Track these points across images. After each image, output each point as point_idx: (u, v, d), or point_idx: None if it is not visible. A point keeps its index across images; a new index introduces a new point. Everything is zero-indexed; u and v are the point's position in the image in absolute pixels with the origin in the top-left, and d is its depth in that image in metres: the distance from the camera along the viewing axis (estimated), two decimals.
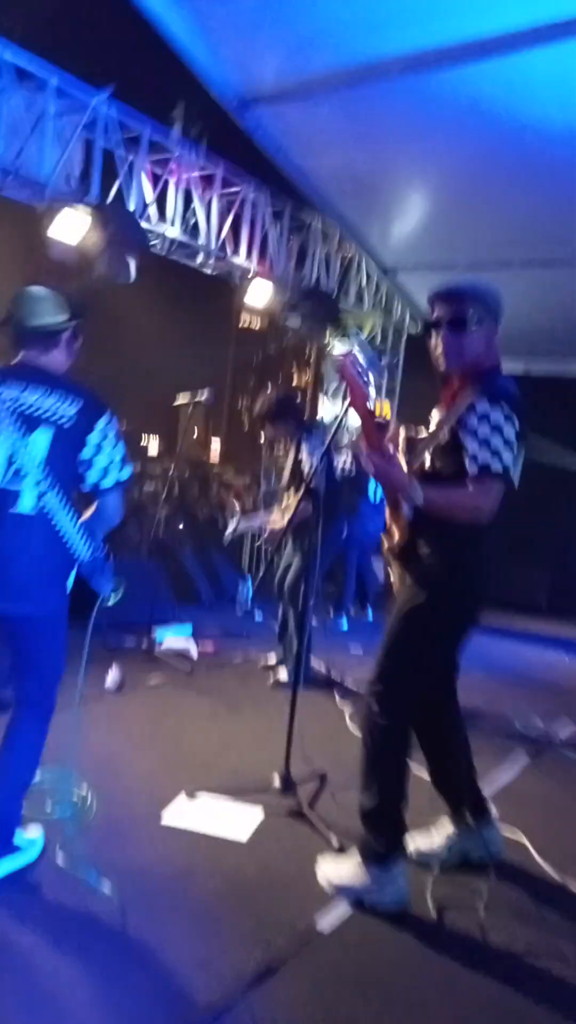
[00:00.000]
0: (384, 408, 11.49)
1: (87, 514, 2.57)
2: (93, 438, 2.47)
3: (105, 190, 7.08)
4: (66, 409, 2.45)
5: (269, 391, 4.94)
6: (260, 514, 5.16)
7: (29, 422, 2.41)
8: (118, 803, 3.11)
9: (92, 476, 2.50)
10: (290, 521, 3.58)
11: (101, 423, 2.49)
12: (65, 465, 2.45)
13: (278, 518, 4.80)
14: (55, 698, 2.70)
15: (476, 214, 6.95)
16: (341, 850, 2.86)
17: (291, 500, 4.69)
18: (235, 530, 5.02)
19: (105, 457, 2.50)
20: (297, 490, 4.53)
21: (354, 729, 4.19)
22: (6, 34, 6.04)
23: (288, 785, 3.21)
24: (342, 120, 6.27)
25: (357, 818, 2.70)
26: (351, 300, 9.90)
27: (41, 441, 2.40)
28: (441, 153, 6.39)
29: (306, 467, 4.54)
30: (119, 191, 7.19)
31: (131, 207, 7.25)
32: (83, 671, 2.68)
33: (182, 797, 3.15)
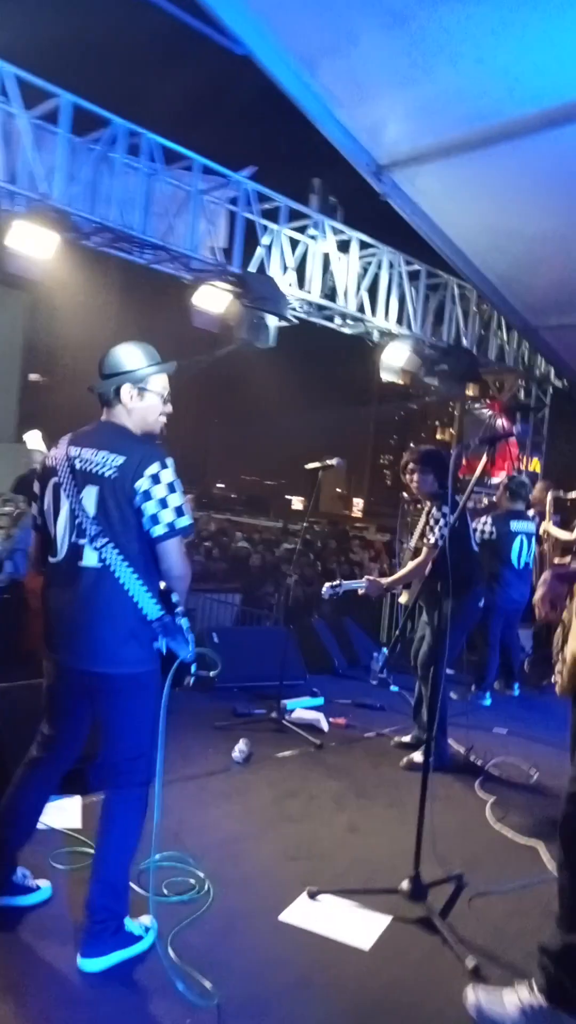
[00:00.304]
0: (533, 464, 11.06)
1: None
2: (141, 484, 2.38)
3: (247, 261, 7.31)
4: (112, 462, 2.40)
5: (413, 446, 4.78)
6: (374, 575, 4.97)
7: (81, 478, 2.43)
8: (236, 892, 2.95)
9: (145, 524, 2.40)
10: (409, 584, 3.37)
11: (151, 469, 2.39)
12: (121, 518, 2.39)
13: (386, 578, 4.64)
14: (149, 771, 2.51)
15: None
16: (476, 971, 2.54)
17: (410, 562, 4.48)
18: (336, 588, 4.79)
19: (154, 504, 2.38)
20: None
21: (494, 822, 3.83)
22: (152, 120, 6.42)
23: (418, 889, 2.92)
24: (477, 180, 6.20)
25: (495, 931, 2.39)
26: (491, 356, 9.63)
27: (91, 496, 2.40)
28: None
29: (435, 527, 4.32)
30: (261, 260, 7.40)
31: (272, 274, 7.43)
32: (161, 743, 2.43)
33: (304, 897, 2.93)
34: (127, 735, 2.50)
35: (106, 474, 2.39)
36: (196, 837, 3.36)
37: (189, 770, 4.16)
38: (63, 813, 3.37)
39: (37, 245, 5.94)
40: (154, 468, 2.39)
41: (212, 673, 2.64)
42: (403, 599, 4.71)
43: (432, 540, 4.32)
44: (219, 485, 59.44)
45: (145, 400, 2.55)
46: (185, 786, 3.95)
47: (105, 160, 6.35)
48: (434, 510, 4.41)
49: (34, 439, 4.33)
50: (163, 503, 2.40)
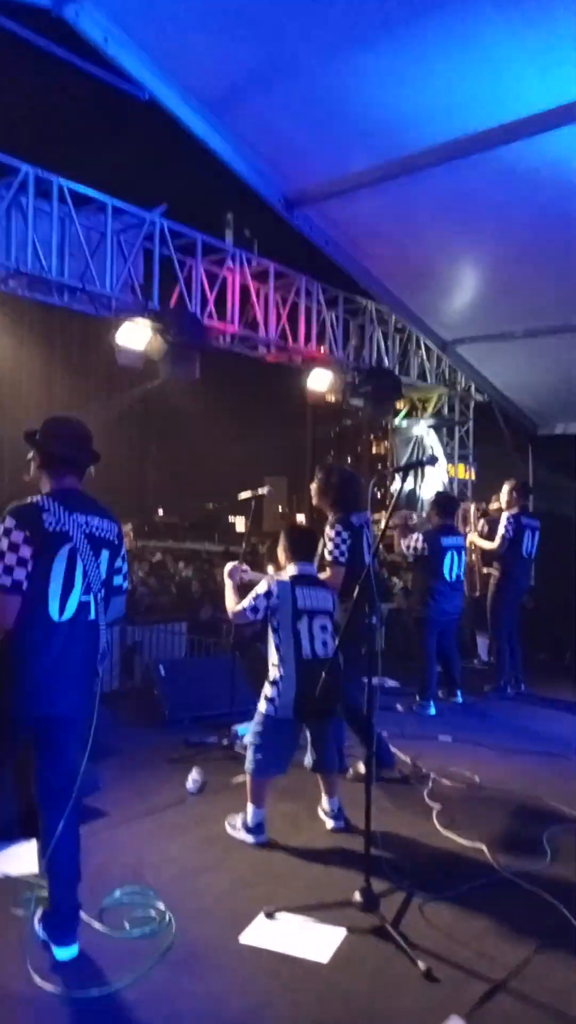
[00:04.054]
0: (463, 472, 11.39)
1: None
2: (122, 549, 2.89)
3: (166, 296, 7.42)
4: (112, 528, 2.85)
5: (317, 471, 4.83)
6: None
7: (96, 544, 2.74)
8: (197, 921, 3.02)
9: (117, 580, 2.87)
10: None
11: (121, 537, 2.90)
12: (111, 575, 2.84)
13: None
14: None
15: (528, 282, 6.97)
16: (429, 974, 2.67)
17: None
18: (242, 570, 4.57)
19: (125, 563, 2.91)
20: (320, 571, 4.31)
21: (442, 829, 3.98)
22: (63, 166, 6.51)
23: (370, 899, 3.03)
24: (386, 210, 6.47)
25: (446, 934, 2.52)
26: (414, 375, 9.94)
27: (104, 559, 2.78)
28: (488, 229, 6.47)
29: (328, 543, 4.45)
30: (180, 295, 7.52)
31: (192, 308, 7.56)
32: (81, 770, 2.73)
33: (261, 917, 3.02)
34: (78, 762, 2.74)
35: (112, 540, 2.82)
36: (155, 871, 3.41)
37: (145, 805, 4.21)
38: (21, 860, 3.38)
39: None
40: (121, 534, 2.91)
41: None
42: None
43: (327, 556, 4.44)
44: (160, 513, 58.94)
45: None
46: (142, 822, 4.00)
47: (15, 206, 6.40)
48: (327, 527, 4.56)
49: None
50: (127, 562, 2.96)
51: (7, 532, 2.58)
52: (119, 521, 2.90)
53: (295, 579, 3.78)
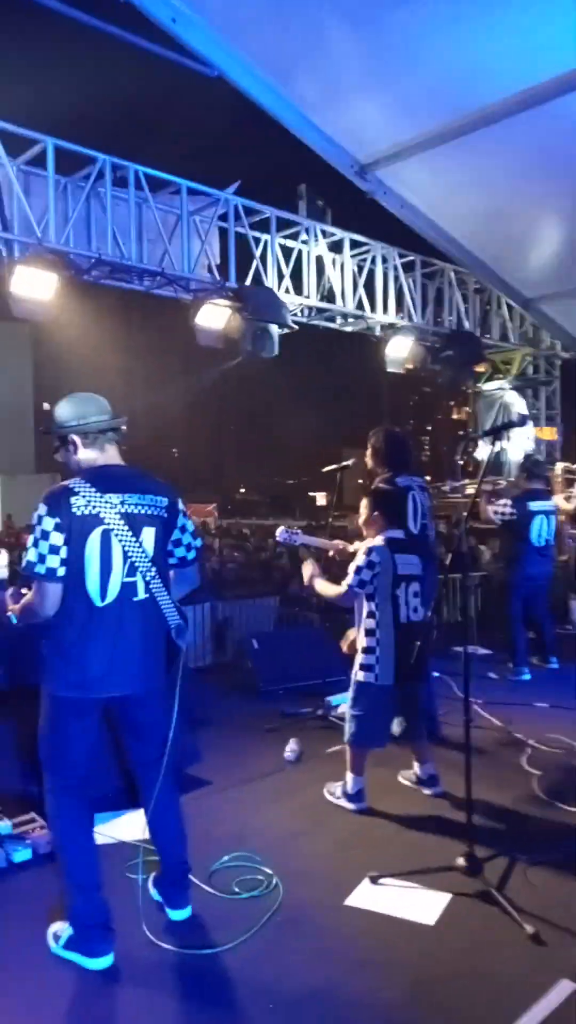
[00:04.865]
0: (548, 432, 11.07)
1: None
2: (180, 520, 2.79)
3: (242, 273, 7.46)
4: (160, 503, 2.73)
5: (369, 436, 4.75)
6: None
7: (137, 522, 2.64)
8: (301, 885, 3.10)
9: (179, 552, 2.82)
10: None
11: (182, 505, 2.81)
12: (164, 550, 2.76)
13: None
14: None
15: None
16: (536, 937, 2.67)
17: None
18: (293, 533, 4.52)
19: (188, 536, 2.82)
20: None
21: (542, 794, 3.94)
22: (134, 152, 6.60)
23: (474, 864, 3.05)
24: (460, 168, 6.31)
25: (551, 897, 2.51)
26: (495, 337, 9.69)
27: (149, 537, 2.67)
28: (570, 177, 6.21)
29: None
30: (256, 271, 7.54)
31: (268, 284, 7.57)
32: (171, 739, 2.72)
33: (366, 883, 3.08)
34: (159, 735, 2.74)
35: (160, 514, 2.71)
36: (258, 837, 3.52)
37: (244, 774, 4.33)
38: (131, 827, 3.54)
39: (38, 287, 6.13)
40: (181, 503, 2.81)
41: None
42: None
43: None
44: (241, 490, 59.65)
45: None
46: (241, 789, 4.12)
47: (95, 196, 6.53)
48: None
49: None
50: (193, 534, 2.86)
51: (39, 519, 2.53)
52: (172, 493, 2.78)
53: (390, 544, 3.75)
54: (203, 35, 5.88)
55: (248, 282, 7.49)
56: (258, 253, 7.53)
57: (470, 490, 3.49)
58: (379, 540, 3.78)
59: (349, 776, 3.84)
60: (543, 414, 10.85)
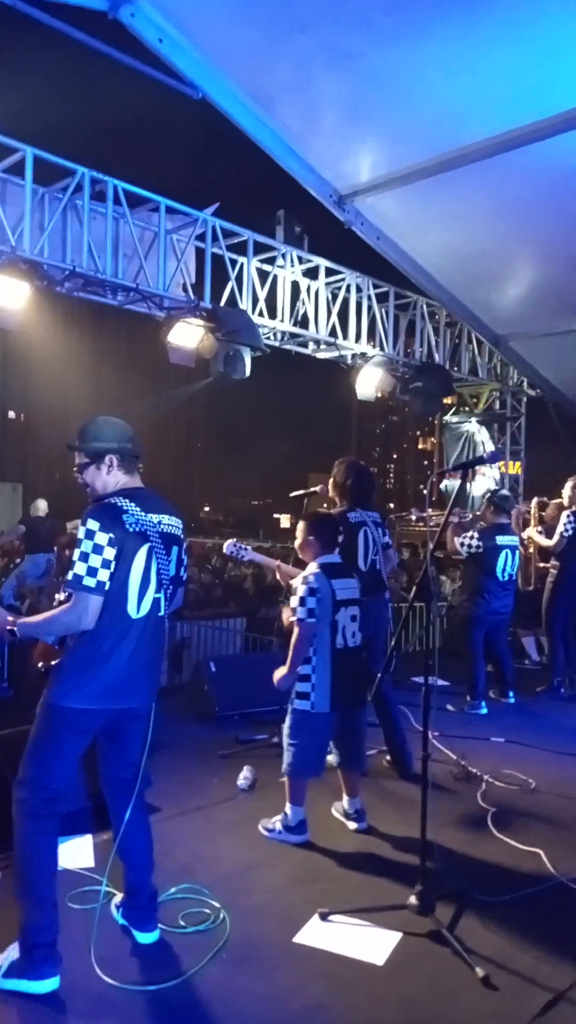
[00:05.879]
0: (514, 467, 11.23)
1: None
2: (185, 542, 2.96)
3: (217, 294, 7.46)
4: (179, 524, 2.91)
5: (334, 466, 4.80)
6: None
7: (167, 541, 2.80)
8: (250, 919, 3.02)
9: (181, 571, 2.94)
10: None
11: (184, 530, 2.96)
12: (179, 568, 2.92)
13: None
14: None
15: None
16: (487, 981, 2.62)
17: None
18: (241, 548, 4.67)
19: (185, 555, 2.97)
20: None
21: (497, 832, 3.92)
22: (115, 167, 6.59)
23: (426, 903, 3.00)
24: (438, 204, 6.41)
25: (504, 939, 2.47)
26: (464, 371, 9.81)
27: (174, 555, 2.84)
28: (544, 220, 6.35)
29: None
30: (231, 293, 7.54)
31: (243, 306, 7.58)
32: (143, 765, 2.81)
33: (316, 919, 3.01)
34: (141, 751, 2.86)
35: (179, 535, 2.90)
36: (208, 868, 3.43)
37: (196, 801, 4.23)
38: (77, 854, 3.43)
39: (9, 296, 6.05)
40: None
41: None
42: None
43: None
44: (206, 508, 59.46)
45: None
46: (193, 817, 4.03)
47: (72, 208, 6.49)
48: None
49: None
50: (188, 553, 3.04)
51: (90, 534, 2.59)
52: (180, 515, 2.98)
53: (326, 569, 3.72)
54: (189, 58, 5.92)
55: (223, 303, 7.49)
56: (234, 275, 7.54)
57: (436, 520, 3.52)
58: (314, 567, 3.75)
59: (289, 807, 3.76)
60: (508, 449, 11.00)
